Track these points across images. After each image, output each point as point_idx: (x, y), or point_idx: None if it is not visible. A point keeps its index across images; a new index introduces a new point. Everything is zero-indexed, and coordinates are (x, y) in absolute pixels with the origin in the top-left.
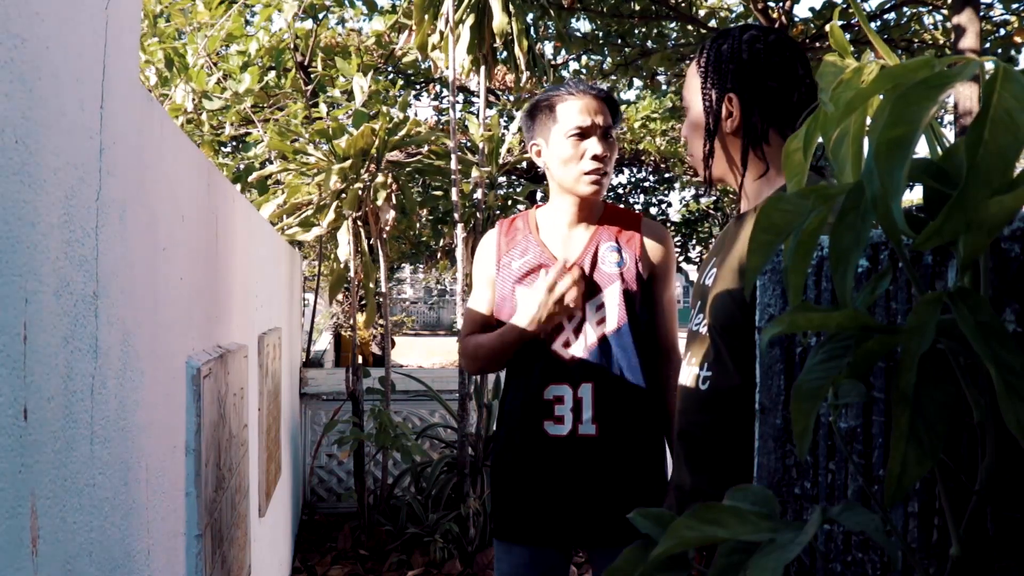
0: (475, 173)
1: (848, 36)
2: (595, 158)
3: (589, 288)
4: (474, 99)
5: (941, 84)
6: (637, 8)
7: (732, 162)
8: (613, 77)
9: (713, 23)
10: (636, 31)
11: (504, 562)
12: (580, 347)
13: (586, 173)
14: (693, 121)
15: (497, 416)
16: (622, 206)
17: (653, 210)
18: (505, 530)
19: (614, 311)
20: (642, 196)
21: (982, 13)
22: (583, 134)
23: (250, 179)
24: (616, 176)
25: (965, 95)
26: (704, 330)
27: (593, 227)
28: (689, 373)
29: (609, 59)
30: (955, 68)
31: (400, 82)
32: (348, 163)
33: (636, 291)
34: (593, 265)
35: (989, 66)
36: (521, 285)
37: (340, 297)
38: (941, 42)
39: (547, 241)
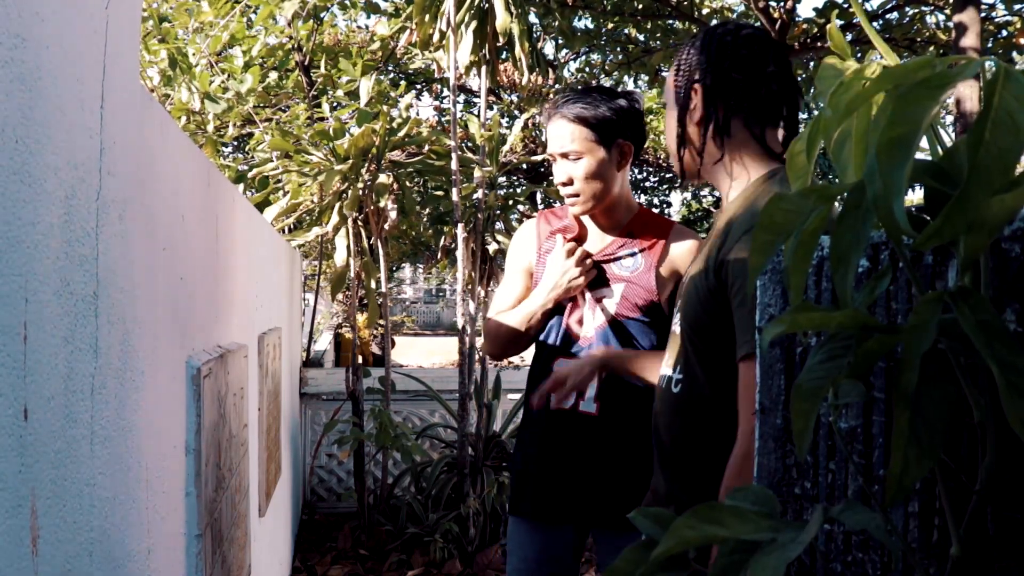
0: (477, 174)
1: (850, 36)
2: (562, 184)
3: (596, 279)
4: (475, 99)
5: (942, 84)
6: (639, 7)
7: (697, 152)
8: (616, 75)
9: (715, 22)
10: (639, 28)
11: (512, 535)
12: (590, 328)
13: (565, 196)
14: (671, 119)
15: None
16: (656, 211)
17: (654, 210)
18: (512, 503)
19: (611, 310)
20: (643, 196)
21: (984, 14)
22: (554, 159)
23: (250, 175)
24: None
25: (966, 95)
26: (676, 330)
27: (618, 231)
28: (663, 375)
29: (612, 57)
30: (956, 68)
31: (403, 83)
32: (349, 163)
33: (643, 296)
34: (607, 263)
35: (990, 66)
36: None
37: (340, 297)
38: (943, 40)
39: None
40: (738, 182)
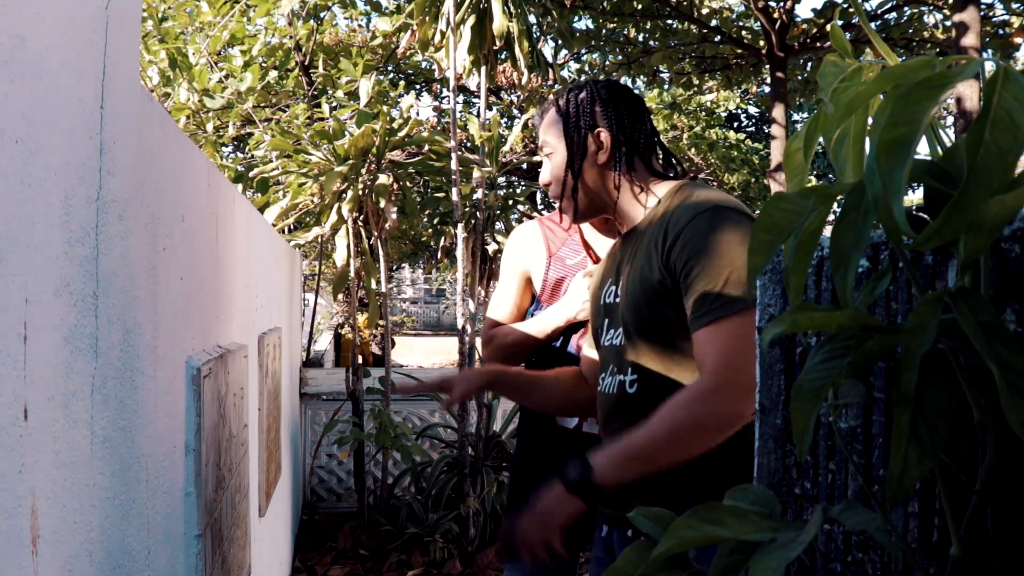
0: (476, 174)
1: (849, 36)
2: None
3: None
4: (475, 99)
5: (942, 84)
6: (639, 7)
7: (606, 190)
8: (615, 75)
9: (715, 23)
10: (638, 28)
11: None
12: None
13: None
14: (560, 163)
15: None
16: None
17: None
18: (508, 511)
19: None
20: None
21: (983, 13)
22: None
23: (251, 175)
24: None
25: (966, 94)
26: (619, 341)
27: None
28: (612, 383)
29: (611, 57)
30: (956, 68)
31: (402, 83)
32: (349, 164)
33: None
34: None
35: (989, 66)
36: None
37: (340, 297)
38: (941, 40)
39: (589, 241)
40: (649, 204)
